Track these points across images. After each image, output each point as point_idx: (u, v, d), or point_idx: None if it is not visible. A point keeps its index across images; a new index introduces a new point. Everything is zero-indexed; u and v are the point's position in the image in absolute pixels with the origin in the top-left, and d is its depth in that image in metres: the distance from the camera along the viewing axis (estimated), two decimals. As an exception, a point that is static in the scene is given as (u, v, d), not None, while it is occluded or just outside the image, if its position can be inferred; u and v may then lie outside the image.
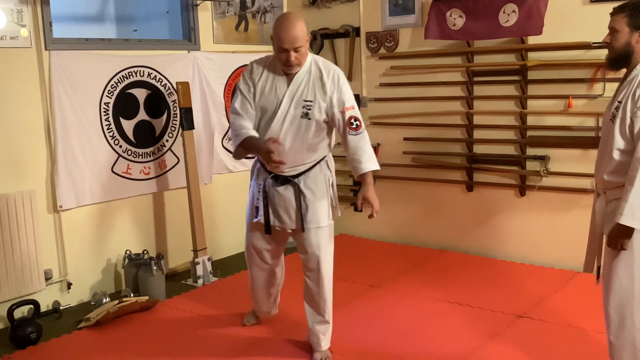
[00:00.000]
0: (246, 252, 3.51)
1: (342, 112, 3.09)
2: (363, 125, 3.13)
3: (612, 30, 2.65)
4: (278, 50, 3.03)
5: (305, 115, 3.08)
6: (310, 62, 3.12)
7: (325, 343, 3.37)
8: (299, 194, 3.19)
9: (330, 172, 3.31)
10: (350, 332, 3.65)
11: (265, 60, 3.21)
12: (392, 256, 5.06)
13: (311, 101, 3.08)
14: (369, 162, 3.10)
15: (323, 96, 3.08)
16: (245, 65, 3.40)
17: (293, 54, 2.98)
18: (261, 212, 3.26)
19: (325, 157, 3.28)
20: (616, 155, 2.61)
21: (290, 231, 3.29)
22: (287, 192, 3.20)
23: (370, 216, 3.12)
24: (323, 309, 3.33)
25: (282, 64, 3.05)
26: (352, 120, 3.08)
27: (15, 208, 3.87)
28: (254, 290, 3.62)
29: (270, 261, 3.47)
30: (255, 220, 3.32)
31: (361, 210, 3.18)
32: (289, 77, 3.11)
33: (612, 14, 2.67)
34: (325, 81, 3.09)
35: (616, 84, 2.80)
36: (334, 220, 3.35)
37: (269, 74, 3.15)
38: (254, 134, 3.12)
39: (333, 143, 3.33)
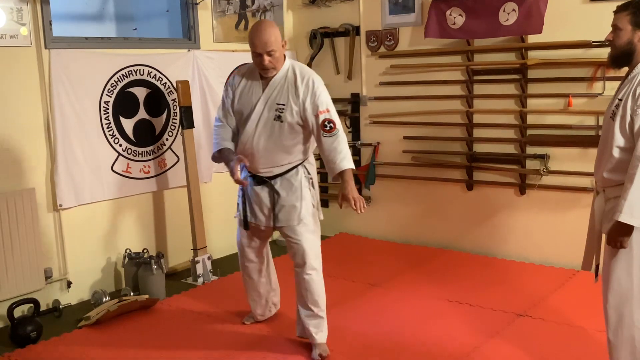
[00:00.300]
0: (237, 247, 3.65)
1: (316, 116, 3.17)
2: (339, 126, 3.19)
3: (615, 28, 2.65)
4: (253, 55, 3.18)
5: (278, 118, 3.20)
6: (288, 68, 3.24)
7: (320, 337, 3.40)
8: (273, 194, 3.32)
9: (310, 175, 3.39)
10: (351, 331, 3.65)
11: (247, 67, 3.37)
12: (392, 255, 5.06)
13: (283, 104, 3.19)
14: (344, 161, 3.15)
15: (296, 100, 3.18)
16: (245, 64, 3.48)
17: (267, 58, 3.12)
18: (240, 208, 3.45)
19: (303, 161, 3.37)
20: (616, 152, 2.61)
21: (263, 228, 3.44)
22: (262, 191, 3.36)
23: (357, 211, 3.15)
24: (312, 302, 3.38)
25: (259, 67, 3.20)
26: (326, 123, 3.16)
27: (15, 207, 3.87)
28: (246, 290, 3.73)
29: (255, 258, 3.60)
30: (235, 216, 3.52)
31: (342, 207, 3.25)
32: (265, 81, 3.24)
33: (616, 12, 2.67)
34: (298, 85, 3.20)
35: (616, 83, 2.81)
36: (318, 221, 3.43)
37: (248, 80, 3.31)
38: (229, 145, 3.34)
39: (312, 148, 3.40)
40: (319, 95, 3.19)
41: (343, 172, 3.14)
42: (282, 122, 3.19)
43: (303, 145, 3.31)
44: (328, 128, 3.15)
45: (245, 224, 3.45)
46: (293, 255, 3.39)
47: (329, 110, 3.19)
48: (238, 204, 3.49)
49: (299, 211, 3.30)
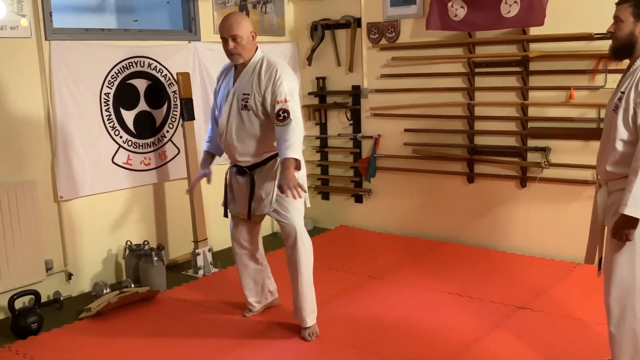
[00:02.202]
0: (230, 239, 3.77)
1: (273, 106, 3.25)
2: (294, 116, 3.21)
3: (617, 20, 2.64)
4: (222, 43, 3.32)
5: (244, 107, 3.33)
6: (259, 59, 3.35)
7: (310, 319, 3.48)
8: (252, 183, 3.42)
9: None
10: (350, 323, 3.65)
11: (229, 64, 3.50)
12: (392, 248, 5.06)
13: (248, 94, 3.31)
14: (287, 150, 3.15)
15: (258, 89, 3.29)
16: None
17: (231, 43, 3.25)
18: (224, 198, 3.62)
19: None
20: (619, 146, 2.60)
21: (242, 217, 3.57)
22: (242, 181, 3.48)
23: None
24: (300, 283, 3.44)
25: (226, 54, 3.34)
26: (280, 112, 3.21)
27: (16, 198, 3.87)
28: (241, 279, 3.79)
29: (247, 245, 3.70)
30: (221, 204, 3.67)
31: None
32: (237, 73, 3.39)
33: (618, 4, 2.66)
34: (262, 75, 3.29)
35: (618, 75, 2.79)
36: (305, 209, 3.52)
37: (227, 74, 3.50)
38: (213, 149, 3.64)
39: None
40: (280, 84, 3.24)
41: (284, 160, 3.15)
42: (248, 110, 3.31)
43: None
44: (281, 117, 3.20)
45: (225, 212, 3.61)
46: (282, 233, 3.47)
47: (287, 100, 3.23)
48: (226, 195, 3.63)
49: (272, 198, 3.37)
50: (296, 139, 3.20)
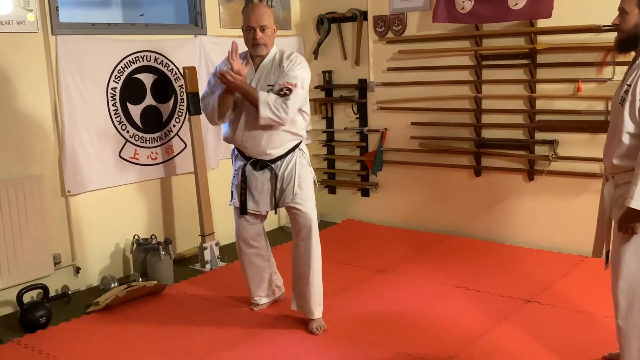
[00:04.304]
0: (235, 235, 3.68)
1: (282, 83, 3.24)
2: (294, 95, 3.21)
3: (622, 12, 2.62)
4: (245, 31, 3.31)
5: None
6: (276, 52, 3.38)
7: (317, 312, 3.48)
8: (274, 177, 3.40)
9: (306, 157, 3.49)
10: (356, 316, 3.65)
11: (242, 55, 3.41)
12: (398, 241, 5.06)
13: (272, 85, 3.28)
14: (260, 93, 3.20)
15: (277, 79, 3.29)
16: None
17: (259, 33, 3.25)
18: (235, 196, 3.51)
19: (299, 143, 3.45)
20: (626, 139, 2.59)
21: (264, 213, 3.56)
22: (263, 176, 3.42)
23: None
24: (312, 275, 3.45)
25: (250, 44, 3.32)
26: (283, 88, 3.22)
27: (24, 193, 3.89)
28: (247, 276, 3.76)
29: (257, 244, 3.66)
30: (230, 204, 3.58)
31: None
32: (256, 64, 3.36)
33: None
34: (284, 63, 3.31)
35: (626, 68, 2.77)
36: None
37: (243, 61, 3.37)
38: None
39: (305, 125, 3.47)
40: (297, 70, 3.28)
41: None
42: None
43: (296, 124, 3.37)
44: (283, 93, 3.21)
45: (242, 209, 3.50)
46: (296, 225, 3.46)
47: (296, 86, 3.24)
48: (232, 191, 3.56)
49: (294, 188, 3.38)
50: (271, 103, 3.17)
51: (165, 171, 4.75)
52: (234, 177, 3.55)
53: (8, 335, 3.59)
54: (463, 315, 3.61)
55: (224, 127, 3.51)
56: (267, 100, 3.19)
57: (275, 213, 3.52)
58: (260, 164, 3.41)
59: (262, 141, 3.34)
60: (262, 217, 3.63)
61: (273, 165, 3.39)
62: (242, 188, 3.47)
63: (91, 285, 4.35)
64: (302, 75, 3.29)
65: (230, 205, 3.60)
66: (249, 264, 3.71)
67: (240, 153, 3.48)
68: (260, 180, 3.43)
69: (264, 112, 3.19)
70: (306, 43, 5.71)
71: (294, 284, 3.56)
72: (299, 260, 3.49)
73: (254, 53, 3.34)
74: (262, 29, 3.25)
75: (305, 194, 3.42)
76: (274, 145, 3.35)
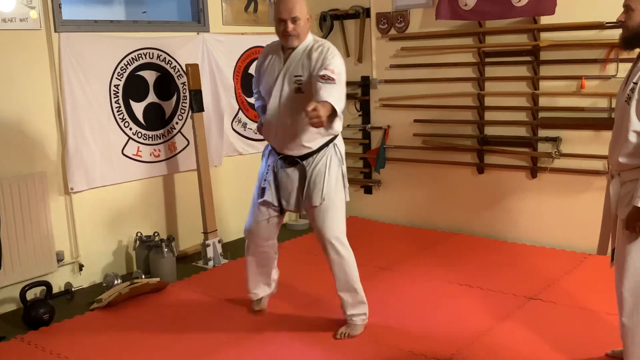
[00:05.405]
0: (246, 233, 3.56)
1: (319, 73, 3.03)
2: (338, 82, 3.01)
3: (627, 9, 2.61)
4: (277, 23, 3.16)
5: (298, 90, 3.14)
6: (309, 42, 3.20)
7: (362, 319, 3.41)
8: (304, 175, 3.25)
9: (340, 155, 3.33)
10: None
11: (272, 45, 3.32)
12: (401, 239, 5.06)
13: (300, 75, 3.14)
14: (329, 98, 2.91)
15: (309, 67, 3.12)
16: (255, 47, 3.49)
17: (290, 25, 3.10)
18: (268, 192, 3.34)
19: (334, 138, 3.29)
20: (632, 137, 2.57)
21: (293, 210, 3.38)
22: (293, 173, 3.29)
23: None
24: (348, 282, 3.34)
25: (281, 35, 3.16)
26: (326, 73, 2.99)
27: (27, 190, 3.89)
28: (252, 276, 3.66)
29: (273, 245, 3.57)
30: (260, 200, 3.39)
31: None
32: (286, 55, 3.20)
33: None
34: (312, 53, 3.14)
35: (630, 65, 2.76)
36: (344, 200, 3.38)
37: (272, 56, 3.27)
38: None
39: (341, 122, 3.26)
40: (332, 59, 3.08)
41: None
42: (303, 93, 3.12)
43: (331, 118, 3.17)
44: (326, 77, 2.98)
45: (280, 208, 3.36)
46: (318, 231, 3.30)
47: (335, 72, 3.01)
48: (263, 188, 3.36)
49: (322, 190, 3.22)
50: (339, 95, 2.96)
51: (168, 168, 4.75)
52: (266, 172, 3.38)
53: (11, 332, 3.59)
54: (466, 313, 3.61)
55: (259, 121, 3.44)
56: (337, 97, 2.97)
57: (299, 211, 3.37)
58: (288, 160, 3.28)
59: (293, 136, 3.19)
60: (282, 218, 3.51)
61: (304, 162, 3.24)
62: (276, 187, 3.33)
63: (94, 283, 4.36)
64: (339, 66, 3.09)
65: (260, 201, 3.38)
66: (260, 266, 3.61)
67: (274, 149, 3.35)
68: (290, 176, 3.29)
69: (339, 125, 3.15)
70: (309, 40, 5.70)
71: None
72: (333, 269, 3.37)
73: (285, 45, 3.18)
74: (294, 20, 3.08)
75: (334, 196, 3.24)
76: (305, 140, 3.20)
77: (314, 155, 3.24)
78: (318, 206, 3.24)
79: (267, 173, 3.37)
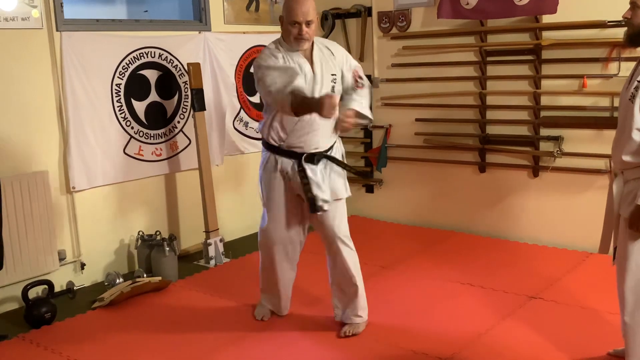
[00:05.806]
0: (265, 249, 3.44)
1: (353, 75, 3.27)
2: (366, 84, 3.31)
3: (634, 6, 2.59)
4: (290, 24, 3.09)
5: (332, 89, 3.17)
6: (314, 42, 3.22)
7: (364, 315, 3.46)
8: (328, 169, 3.28)
9: (343, 149, 3.44)
10: (362, 313, 3.65)
11: (276, 44, 3.22)
12: (403, 237, 5.06)
13: (335, 74, 3.21)
14: (365, 110, 3.25)
15: (339, 65, 3.24)
16: (257, 45, 3.46)
17: (305, 28, 3.06)
18: (311, 193, 3.17)
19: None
20: (636, 135, 2.56)
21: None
22: (319, 168, 3.23)
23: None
24: (352, 278, 3.36)
25: (294, 38, 3.10)
26: (358, 80, 3.27)
27: (29, 189, 3.90)
28: (270, 287, 3.55)
29: (297, 253, 3.51)
30: (323, 203, 3.19)
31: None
32: (306, 55, 3.17)
33: None
34: (335, 54, 3.24)
35: (631, 64, 2.76)
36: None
37: (286, 54, 3.15)
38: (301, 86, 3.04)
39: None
40: (350, 57, 3.33)
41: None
42: (334, 92, 3.15)
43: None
44: (360, 85, 3.26)
45: (312, 207, 3.18)
46: (331, 229, 3.28)
47: (361, 74, 3.32)
48: (310, 188, 3.17)
49: (344, 182, 3.35)
50: (367, 101, 3.27)
51: (169, 167, 4.75)
52: (268, 185, 3.30)
53: (13, 330, 3.60)
54: (467, 312, 3.61)
55: (266, 129, 3.25)
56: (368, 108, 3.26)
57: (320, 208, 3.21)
58: (317, 157, 3.22)
59: (326, 131, 3.22)
60: (303, 227, 3.44)
61: (329, 153, 3.28)
62: (305, 184, 3.17)
63: (96, 281, 4.36)
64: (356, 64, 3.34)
65: (323, 209, 3.21)
66: (282, 277, 3.48)
67: (287, 153, 3.23)
68: (322, 173, 3.22)
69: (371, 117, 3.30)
70: (310, 39, 5.70)
71: (333, 291, 3.48)
72: (335, 267, 3.38)
73: (295, 47, 3.12)
74: (308, 23, 3.06)
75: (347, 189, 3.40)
76: (327, 135, 3.25)
77: (332, 148, 3.31)
78: (334, 202, 3.26)
79: (292, 175, 3.23)
